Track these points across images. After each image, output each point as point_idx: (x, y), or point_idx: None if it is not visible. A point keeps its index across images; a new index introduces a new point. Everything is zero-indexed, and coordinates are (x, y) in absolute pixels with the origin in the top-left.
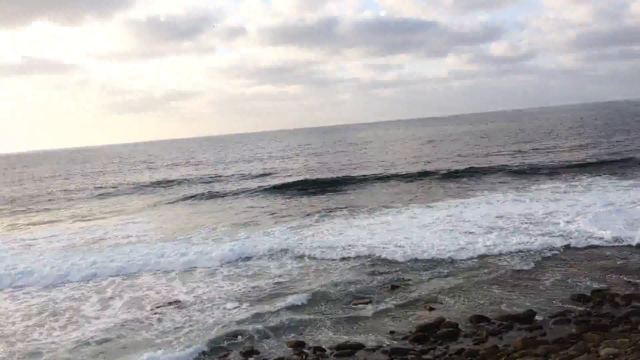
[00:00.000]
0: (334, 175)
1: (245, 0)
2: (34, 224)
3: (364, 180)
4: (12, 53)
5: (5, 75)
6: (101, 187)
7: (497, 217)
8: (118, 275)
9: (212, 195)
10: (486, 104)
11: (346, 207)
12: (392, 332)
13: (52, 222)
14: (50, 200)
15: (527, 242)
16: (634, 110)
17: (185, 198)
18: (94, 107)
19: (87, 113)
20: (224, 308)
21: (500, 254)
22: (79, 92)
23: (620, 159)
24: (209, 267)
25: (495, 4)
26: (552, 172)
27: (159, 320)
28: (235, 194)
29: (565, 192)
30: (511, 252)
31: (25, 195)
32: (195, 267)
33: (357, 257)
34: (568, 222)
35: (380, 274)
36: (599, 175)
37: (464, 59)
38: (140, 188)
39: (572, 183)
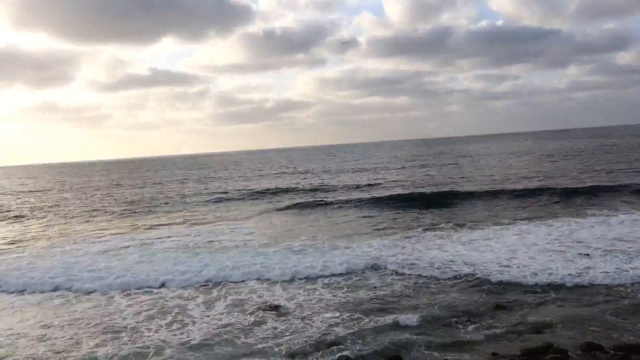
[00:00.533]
0: (440, 189)
1: (358, 13)
2: (151, 225)
3: (471, 194)
4: (141, 67)
5: (135, 86)
6: (214, 193)
7: (615, 239)
8: (222, 278)
9: (316, 204)
10: (611, 117)
11: (450, 222)
12: (494, 354)
13: (166, 224)
14: (167, 203)
15: None
16: None
17: (291, 206)
18: (210, 116)
19: (204, 122)
20: (324, 317)
21: (619, 280)
22: (198, 102)
23: None
24: (310, 276)
25: (624, 11)
26: None
27: (259, 325)
28: (340, 204)
29: None
30: (632, 279)
31: (146, 197)
32: (296, 275)
33: (460, 274)
34: None
35: (484, 293)
36: None
37: (586, 70)
38: (249, 194)
39: None
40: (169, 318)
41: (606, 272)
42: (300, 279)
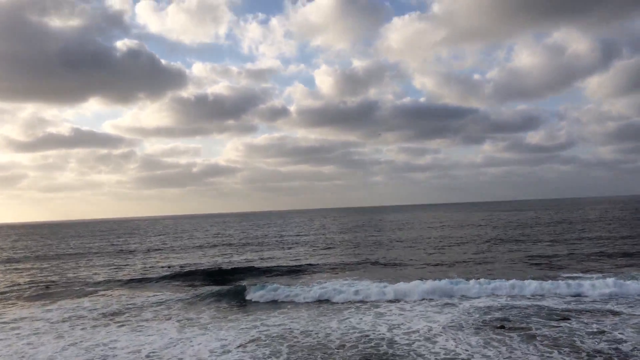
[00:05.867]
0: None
1: (290, 84)
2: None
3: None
4: (63, 126)
5: (55, 146)
6: (130, 270)
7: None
8: None
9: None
10: (520, 191)
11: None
12: None
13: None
14: (70, 280)
15: None
16: None
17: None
18: (134, 179)
19: (127, 185)
20: None
21: None
22: (122, 165)
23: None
24: None
25: (535, 95)
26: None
27: None
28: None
29: None
30: None
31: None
32: None
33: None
34: None
35: None
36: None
37: (499, 147)
38: (166, 276)
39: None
40: None
41: None
42: None
